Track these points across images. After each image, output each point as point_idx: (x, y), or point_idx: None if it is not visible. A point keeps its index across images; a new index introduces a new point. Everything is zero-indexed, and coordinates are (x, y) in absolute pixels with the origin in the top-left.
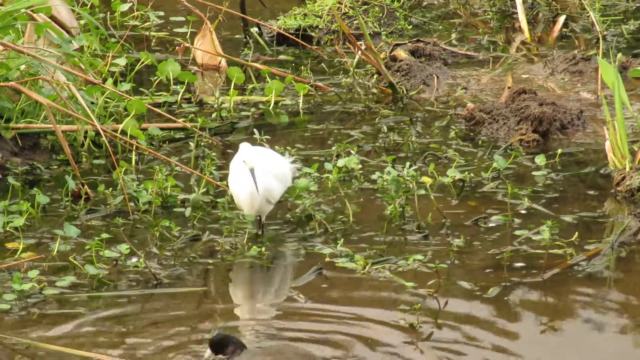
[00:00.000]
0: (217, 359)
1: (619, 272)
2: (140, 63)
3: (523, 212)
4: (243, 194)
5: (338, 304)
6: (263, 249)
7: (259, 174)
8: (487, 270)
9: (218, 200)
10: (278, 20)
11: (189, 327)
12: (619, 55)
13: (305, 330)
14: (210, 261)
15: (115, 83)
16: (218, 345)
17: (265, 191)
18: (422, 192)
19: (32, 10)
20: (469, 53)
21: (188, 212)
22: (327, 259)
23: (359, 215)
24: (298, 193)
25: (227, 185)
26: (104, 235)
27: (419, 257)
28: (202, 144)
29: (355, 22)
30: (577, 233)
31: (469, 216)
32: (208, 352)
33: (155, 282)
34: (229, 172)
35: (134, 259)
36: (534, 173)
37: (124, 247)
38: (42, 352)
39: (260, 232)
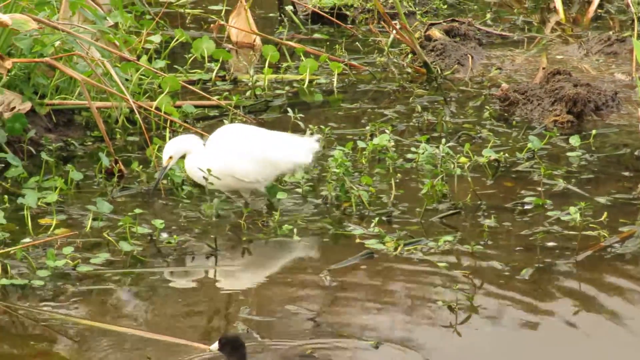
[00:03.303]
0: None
1: None
2: (174, 40)
3: (541, 188)
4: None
5: (371, 284)
6: (291, 227)
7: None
8: (519, 250)
9: None
10: None
11: (222, 305)
12: None
13: (338, 312)
14: (244, 239)
15: (149, 60)
16: (227, 345)
17: (225, 168)
18: (459, 171)
19: None
20: (503, 33)
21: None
22: (358, 240)
23: (390, 196)
24: (338, 164)
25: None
26: (137, 211)
27: (449, 238)
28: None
29: (390, 1)
30: (605, 213)
31: (505, 196)
32: (215, 345)
33: (190, 258)
34: None
35: (165, 235)
36: (568, 154)
37: (158, 222)
38: (76, 327)
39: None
